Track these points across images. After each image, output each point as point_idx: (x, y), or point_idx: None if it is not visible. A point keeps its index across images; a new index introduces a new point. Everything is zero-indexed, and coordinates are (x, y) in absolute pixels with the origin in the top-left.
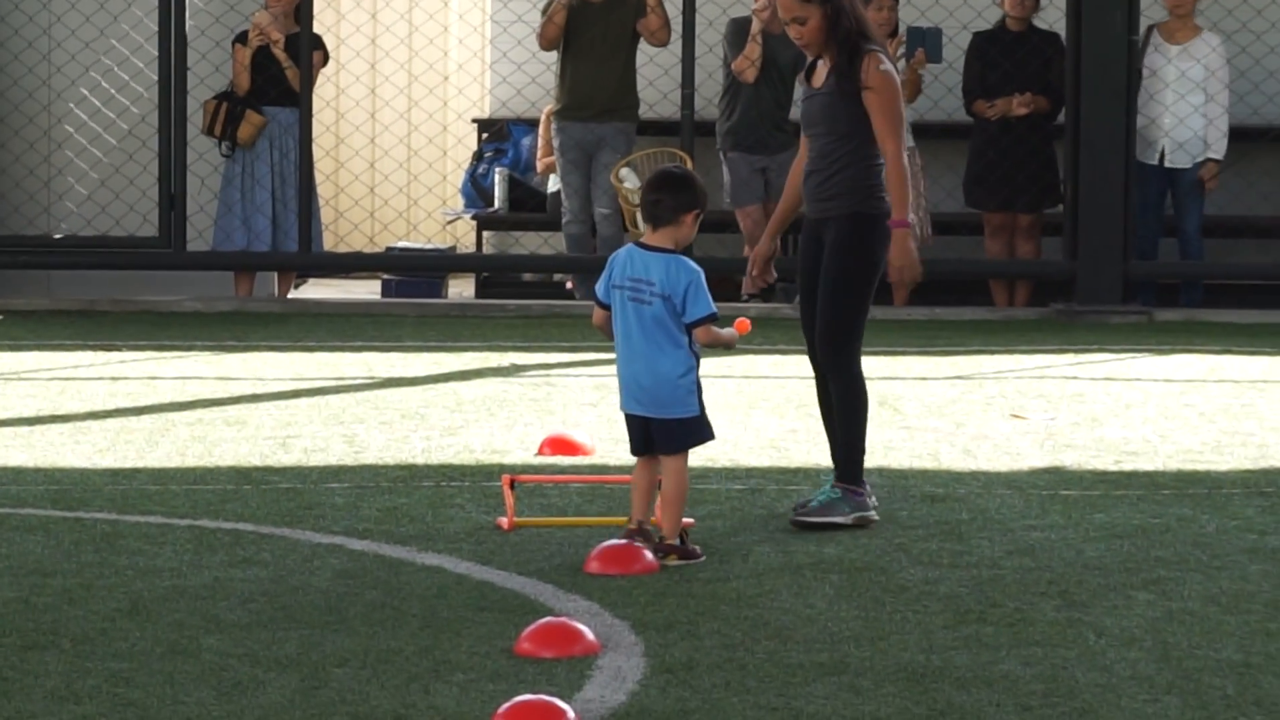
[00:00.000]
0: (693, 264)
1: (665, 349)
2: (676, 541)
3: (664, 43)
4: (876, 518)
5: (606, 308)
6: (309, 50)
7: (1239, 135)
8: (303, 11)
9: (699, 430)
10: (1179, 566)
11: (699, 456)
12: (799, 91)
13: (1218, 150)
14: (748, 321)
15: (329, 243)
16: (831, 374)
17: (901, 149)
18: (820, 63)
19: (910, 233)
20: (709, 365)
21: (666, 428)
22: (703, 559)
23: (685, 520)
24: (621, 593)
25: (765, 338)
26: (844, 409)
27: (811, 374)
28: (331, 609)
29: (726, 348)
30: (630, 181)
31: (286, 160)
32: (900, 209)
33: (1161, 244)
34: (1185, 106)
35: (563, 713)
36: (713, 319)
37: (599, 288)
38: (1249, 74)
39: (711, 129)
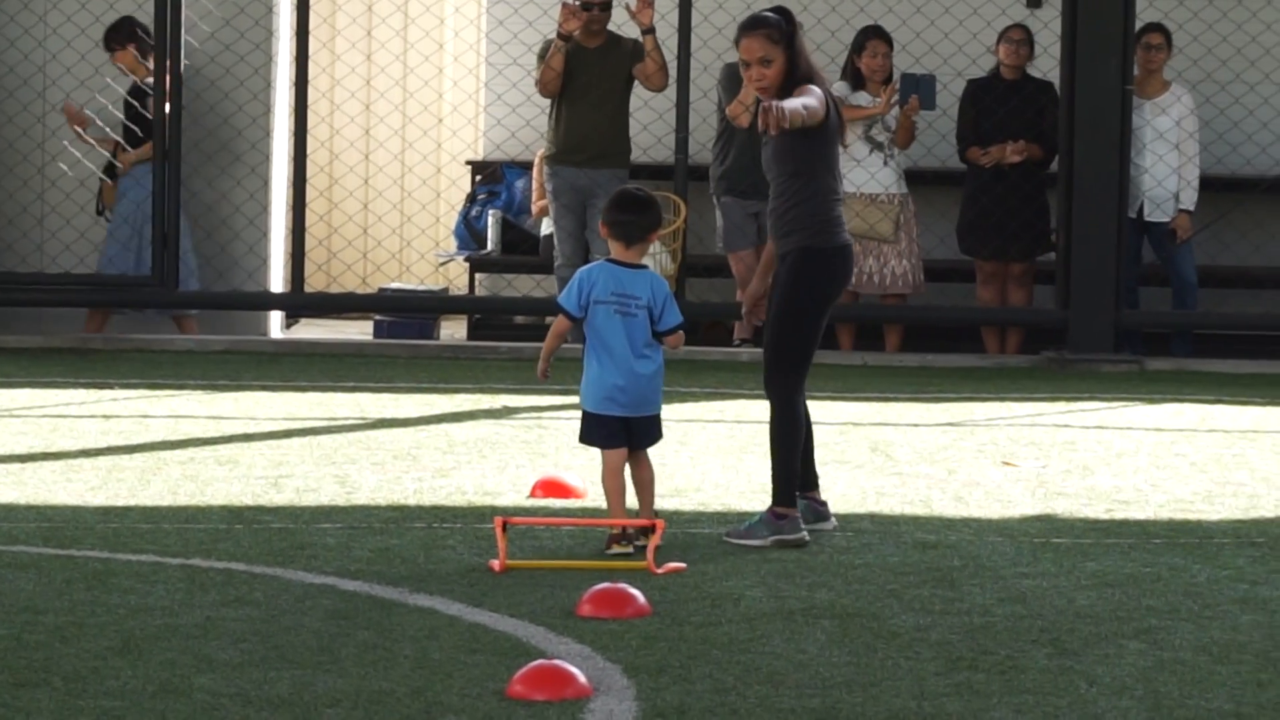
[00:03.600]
0: (659, 277)
1: (645, 354)
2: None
3: (660, 88)
4: (803, 540)
5: (576, 320)
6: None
7: (1231, 186)
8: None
9: (660, 425)
10: (1170, 616)
11: (691, 502)
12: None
13: (1187, 201)
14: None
15: (321, 283)
16: (771, 399)
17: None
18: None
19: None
20: (700, 409)
21: (644, 424)
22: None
23: (677, 565)
24: (614, 636)
25: (757, 383)
26: (777, 435)
27: None
28: (323, 649)
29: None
30: None
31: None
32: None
33: (1155, 294)
34: (1162, 163)
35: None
36: (682, 326)
37: (570, 301)
38: (1242, 125)
39: (705, 174)
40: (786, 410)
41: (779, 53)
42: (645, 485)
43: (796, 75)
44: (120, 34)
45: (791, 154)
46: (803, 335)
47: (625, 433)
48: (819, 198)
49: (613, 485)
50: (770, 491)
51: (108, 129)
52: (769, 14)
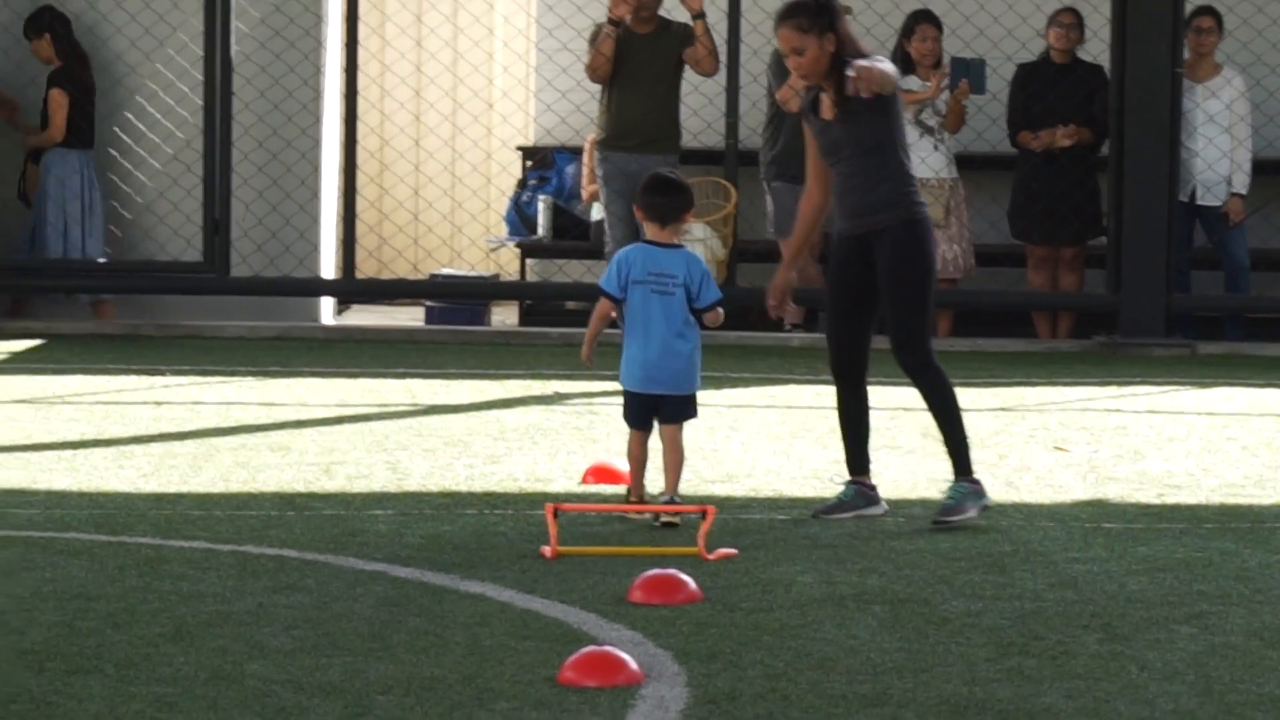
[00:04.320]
0: (695, 255)
1: (683, 332)
2: (677, 498)
3: (711, 72)
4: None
5: (615, 301)
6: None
7: None
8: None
9: (694, 403)
10: (1221, 600)
11: (743, 487)
12: (812, 127)
13: (1240, 185)
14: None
15: (372, 269)
16: (919, 375)
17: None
18: (823, 95)
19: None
20: (751, 395)
21: (676, 402)
22: (695, 516)
23: (728, 551)
24: (665, 622)
25: (809, 368)
26: (941, 405)
27: (833, 385)
28: (375, 636)
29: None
30: None
31: (74, 202)
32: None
33: (1206, 277)
34: (1213, 147)
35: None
36: (721, 302)
37: (610, 283)
38: None
39: (755, 158)
40: (939, 378)
41: (810, 41)
42: (671, 466)
43: (842, 58)
44: (38, 24)
45: (871, 131)
46: (928, 303)
47: (654, 411)
48: (903, 171)
49: (632, 454)
50: (953, 464)
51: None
52: (797, 4)
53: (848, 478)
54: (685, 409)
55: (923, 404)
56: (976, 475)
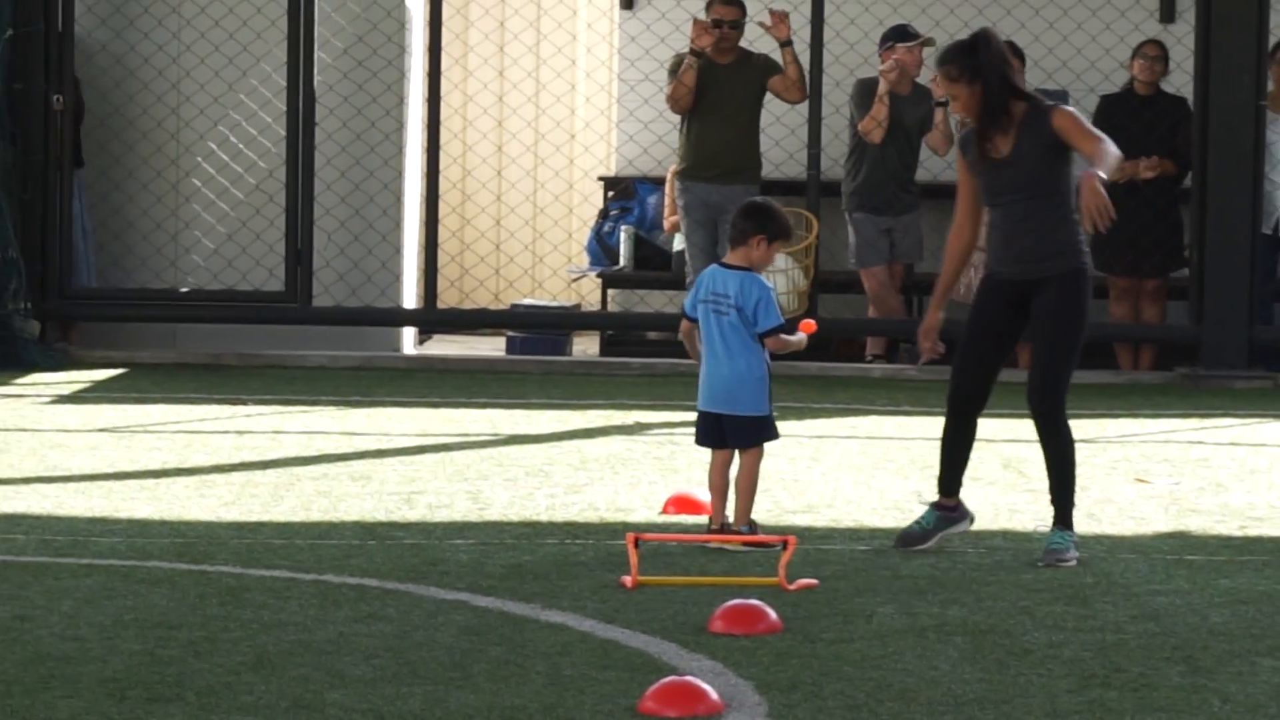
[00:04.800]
0: (763, 280)
1: (740, 352)
2: (745, 528)
3: (800, 100)
4: None
5: (693, 321)
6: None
7: None
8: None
9: (766, 428)
10: None
11: (823, 518)
12: (973, 165)
13: None
14: (813, 323)
15: (453, 299)
16: (1049, 425)
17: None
18: (994, 136)
19: (1099, 180)
20: (832, 426)
21: (738, 423)
22: (777, 547)
23: (809, 581)
24: (745, 652)
25: (890, 399)
26: (1063, 458)
27: (942, 415)
28: (456, 665)
29: (797, 350)
30: None
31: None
32: (1099, 164)
33: None
34: None
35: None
36: (781, 329)
37: (687, 303)
38: None
39: (837, 189)
40: (1068, 434)
41: (960, 89)
42: (741, 491)
43: (991, 100)
44: None
45: (1052, 175)
46: (1075, 359)
47: (720, 431)
48: (1073, 219)
49: (711, 483)
50: (1060, 511)
51: None
52: (951, 50)
53: (935, 498)
54: (750, 432)
55: (1002, 436)
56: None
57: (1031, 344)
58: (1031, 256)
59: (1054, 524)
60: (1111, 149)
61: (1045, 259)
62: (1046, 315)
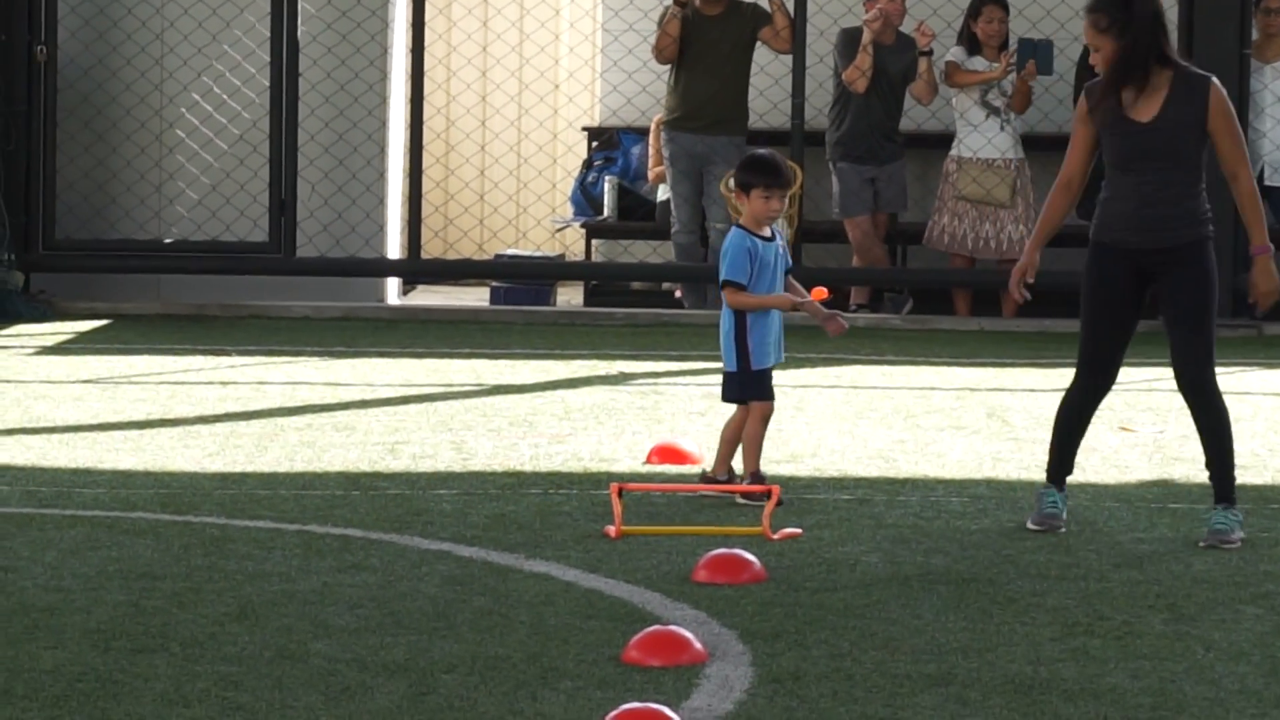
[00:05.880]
0: (736, 234)
1: (724, 308)
2: (723, 477)
3: (788, 49)
4: None
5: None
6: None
7: None
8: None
9: (732, 385)
10: None
11: (807, 467)
12: (1110, 126)
13: None
14: (824, 289)
15: (437, 250)
16: (1202, 397)
17: (1251, 174)
18: (1129, 96)
19: (1272, 257)
20: (816, 375)
21: (724, 377)
22: (769, 496)
23: (793, 531)
24: (729, 602)
25: (874, 348)
26: (1216, 428)
27: (1066, 379)
28: (439, 615)
29: (782, 309)
30: None
31: None
32: (1260, 234)
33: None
34: None
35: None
36: (725, 285)
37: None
38: None
39: (821, 139)
40: (1219, 401)
41: (1106, 41)
42: (720, 440)
43: (1135, 57)
44: None
45: (1197, 147)
46: (1215, 325)
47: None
48: (1201, 189)
49: (722, 435)
50: (1221, 486)
51: None
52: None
53: (1046, 484)
54: (725, 386)
55: (987, 384)
56: (1238, 504)
57: (1167, 318)
58: (1162, 225)
59: (1215, 501)
60: (1258, 204)
61: (1177, 229)
62: (1186, 286)
